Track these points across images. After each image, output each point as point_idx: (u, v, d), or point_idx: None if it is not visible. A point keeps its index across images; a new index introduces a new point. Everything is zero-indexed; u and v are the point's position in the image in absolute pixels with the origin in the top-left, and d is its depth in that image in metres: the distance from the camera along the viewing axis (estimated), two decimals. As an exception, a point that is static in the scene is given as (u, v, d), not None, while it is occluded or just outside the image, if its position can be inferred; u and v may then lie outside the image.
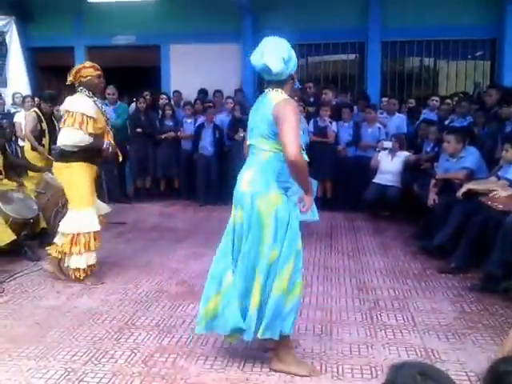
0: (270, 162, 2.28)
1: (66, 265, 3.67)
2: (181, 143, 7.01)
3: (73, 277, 3.63)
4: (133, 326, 2.96)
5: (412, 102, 7.08)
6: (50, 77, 8.99)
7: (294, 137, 2.14)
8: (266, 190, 2.27)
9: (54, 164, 3.75)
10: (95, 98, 3.65)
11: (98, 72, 3.66)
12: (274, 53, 2.20)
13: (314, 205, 4.61)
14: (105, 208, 3.95)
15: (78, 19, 8.58)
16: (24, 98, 6.96)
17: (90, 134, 3.53)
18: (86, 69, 3.62)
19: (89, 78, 3.60)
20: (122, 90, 6.97)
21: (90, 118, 3.50)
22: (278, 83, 2.29)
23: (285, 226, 2.28)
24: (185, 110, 7.09)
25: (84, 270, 3.62)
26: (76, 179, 3.61)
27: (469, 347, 2.67)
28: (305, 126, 4.73)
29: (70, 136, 3.51)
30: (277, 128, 2.21)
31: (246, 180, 2.33)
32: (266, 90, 2.34)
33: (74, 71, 3.62)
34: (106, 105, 6.07)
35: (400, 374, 1.12)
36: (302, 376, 2.35)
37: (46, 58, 8.81)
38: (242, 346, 2.67)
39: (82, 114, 3.48)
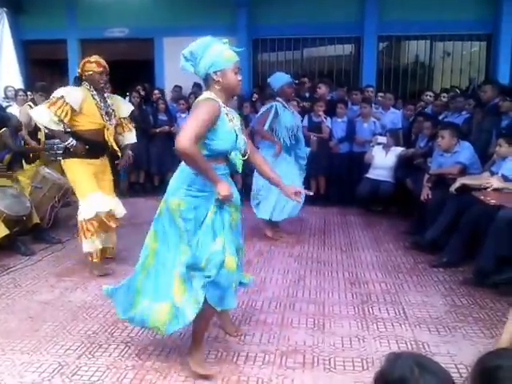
0: (186, 168, 2.24)
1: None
2: (174, 138, 6.98)
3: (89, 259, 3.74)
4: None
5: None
6: (43, 70, 8.91)
7: (190, 130, 2.09)
8: (174, 194, 2.27)
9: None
10: (94, 93, 3.62)
11: (101, 69, 3.62)
12: (184, 51, 2.25)
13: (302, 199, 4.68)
14: (120, 211, 3.91)
15: (71, 11, 8.50)
16: (16, 91, 6.89)
17: (68, 123, 3.56)
18: (90, 63, 3.60)
19: (90, 72, 3.59)
20: (115, 83, 6.92)
21: (67, 104, 3.47)
22: (204, 82, 2.32)
23: (192, 225, 2.22)
24: (179, 105, 7.06)
25: (92, 253, 3.68)
26: (70, 175, 3.73)
27: (459, 340, 2.70)
28: (296, 124, 4.71)
29: (38, 114, 3.57)
30: None
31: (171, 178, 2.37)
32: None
33: (81, 64, 3.66)
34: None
35: (397, 364, 1.12)
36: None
37: (38, 50, 8.73)
38: (234, 340, 2.70)
39: (58, 98, 3.48)
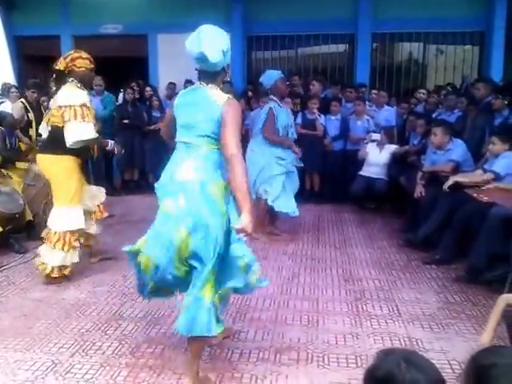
0: (210, 154, 2.18)
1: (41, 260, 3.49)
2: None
3: (57, 275, 3.46)
4: (120, 317, 2.96)
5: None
6: (36, 66, 8.84)
7: (238, 139, 2.11)
8: (215, 178, 2.18)
9: (40, 156, 3.56)
10: (84, 90, 3.55)
11: (92, 66, 3.57)
12: (214, 43, 2.10)
13: (293, 199, 4.67)
14: (100, 195, 3.83)
15: (64, 7, 8.43)
16: (9, 88, 6.83)
17: None
18: (83, 60, 3.49)
19: (82, 69, 3.49)
20: (109, 80, 6.89)
21: (89, 108, 3.38)
22: (212, 75, 2.18)
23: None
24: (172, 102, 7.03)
25: (67, 267, 3.50)
26: (66, 174, 3.47)
27: (452, 337, 2.73)
28: (290, 121, 4.71)
29: (79, 131, 3.31)
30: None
31: (189, 169, 2.18)
32: (198, 83, 2.22)
33: (68, 58, 3.46)
34: (93, 96, 5.98)
35: (386, 359, 1.13)
36: None
37: (32, 46, 8.65)
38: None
39: (81, 106, 3.33)
